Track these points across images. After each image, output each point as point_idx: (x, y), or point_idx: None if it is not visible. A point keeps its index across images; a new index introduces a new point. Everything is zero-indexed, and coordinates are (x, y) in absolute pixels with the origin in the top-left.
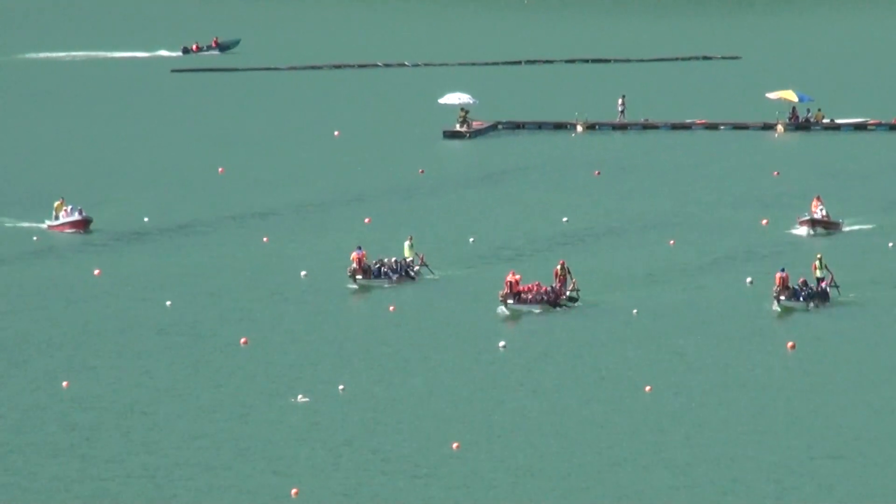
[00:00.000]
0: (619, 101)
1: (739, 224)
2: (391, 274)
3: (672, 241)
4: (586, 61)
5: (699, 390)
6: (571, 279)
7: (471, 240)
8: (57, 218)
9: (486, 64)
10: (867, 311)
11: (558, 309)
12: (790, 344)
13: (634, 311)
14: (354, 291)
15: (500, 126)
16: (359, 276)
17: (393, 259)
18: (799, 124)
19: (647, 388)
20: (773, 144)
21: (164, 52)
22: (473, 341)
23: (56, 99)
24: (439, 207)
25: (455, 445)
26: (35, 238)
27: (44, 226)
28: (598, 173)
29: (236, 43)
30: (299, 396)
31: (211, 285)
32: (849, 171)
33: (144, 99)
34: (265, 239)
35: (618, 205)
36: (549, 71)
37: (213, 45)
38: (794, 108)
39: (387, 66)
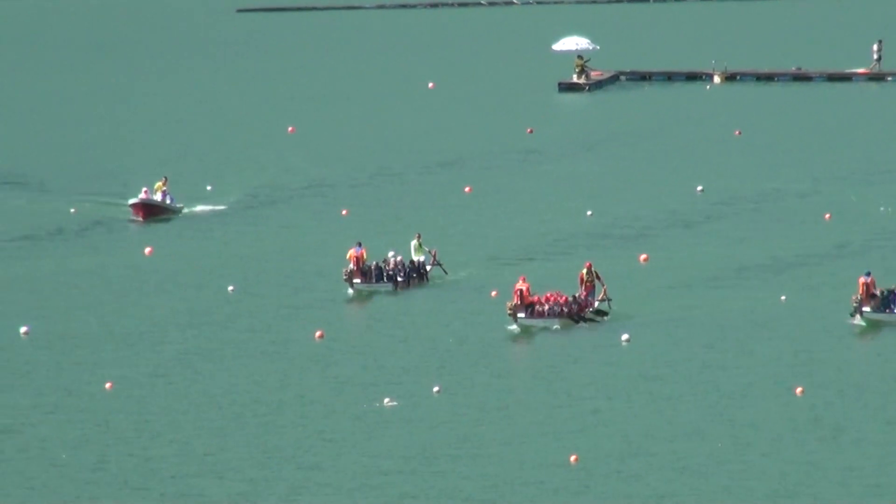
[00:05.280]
0: (875, 46)
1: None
2: (396, 276)
3: (828, 216)
4: None
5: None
6: (602, 286)
7: (588, 213)
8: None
9: (609, 2)
10: None
11: (583, 324)
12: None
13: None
14: (352, 298)
15: (622, 77)
16: (356, 280)
17: (399, 258)
18: None
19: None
20: None
21: None
22: (476, 366)
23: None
24: (549, 175)
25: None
26: (72, 210)
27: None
28: (739, 133)
29: None
30: (386, 400)
31: (280, 266)
32: None
33: (204, 44)
34: (344, 212)
35: (761, 172)
36: (681, 10)
37: None
38: None
39: (492, 4)
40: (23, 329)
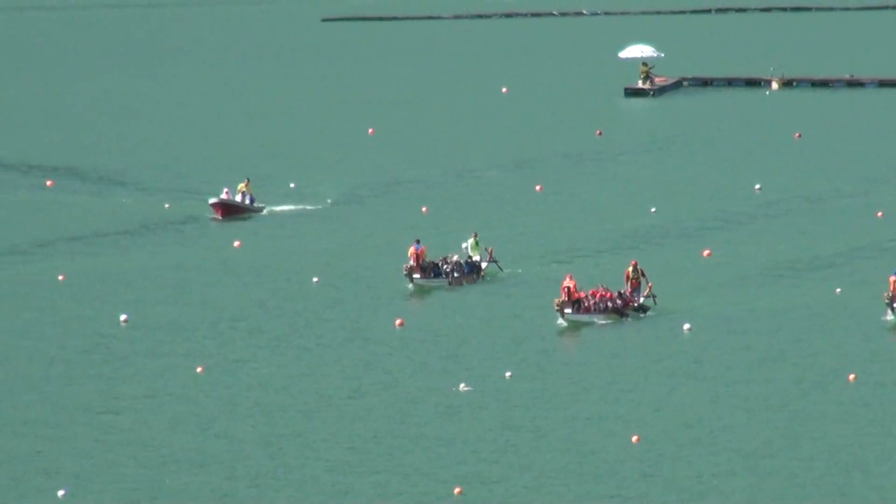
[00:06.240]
0: None
1: None
2: (453, 273)
3: (880, 213)
4: (784, 9)
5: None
6: (647, 283)
7: (652, 210)
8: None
9: (672, 13)
10: None
11: (626, 319)
12: None
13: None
14: (411, 293)
15: (685, 82)
16: (416, 276)
17: (455, 257)
18: None
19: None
20: None
21: None
22: (541, 354)
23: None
24: (616, 174)
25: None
26: (167, 206)
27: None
28: (799, 136)
29: None
30: (461, 385)
31: (362, 261)
32: None
33: (291, 51)
34: (424, 209)
35: (816, 172)
36: (741, 20)
37: None
38: None
39: (562, 14)
40: (122, 317)
